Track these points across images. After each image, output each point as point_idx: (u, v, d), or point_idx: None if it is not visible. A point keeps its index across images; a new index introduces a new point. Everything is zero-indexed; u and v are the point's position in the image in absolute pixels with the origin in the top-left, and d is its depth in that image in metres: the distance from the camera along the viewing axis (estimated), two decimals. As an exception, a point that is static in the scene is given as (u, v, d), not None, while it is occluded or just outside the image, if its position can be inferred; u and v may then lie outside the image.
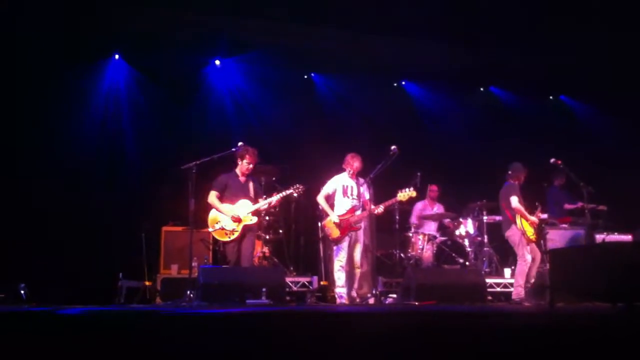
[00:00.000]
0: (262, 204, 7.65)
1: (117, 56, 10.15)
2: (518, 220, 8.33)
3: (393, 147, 7.92)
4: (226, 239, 7.52)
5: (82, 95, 9.82)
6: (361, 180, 8.08)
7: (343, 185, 8.01)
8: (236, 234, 7.46)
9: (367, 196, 8.13)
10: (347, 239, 7.91)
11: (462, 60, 10.82)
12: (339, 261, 7.90)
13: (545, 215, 8.93)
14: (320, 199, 8.09)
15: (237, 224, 7.49)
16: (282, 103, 10.46)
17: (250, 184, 7.80)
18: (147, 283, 8.50)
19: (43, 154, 9.18)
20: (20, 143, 9.10)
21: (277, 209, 8.94)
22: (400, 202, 8.17)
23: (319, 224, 9.38)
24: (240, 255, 7.54)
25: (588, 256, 5.68)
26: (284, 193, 7.78)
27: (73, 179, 9.15)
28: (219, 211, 7.54)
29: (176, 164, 7.40)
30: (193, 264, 7.71)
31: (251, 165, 7.71)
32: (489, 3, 9.22)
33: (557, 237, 9.29)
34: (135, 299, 8.42)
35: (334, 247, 7.99)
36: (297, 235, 9.65)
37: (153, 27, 9.54)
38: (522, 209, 8.36)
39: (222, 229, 7.49)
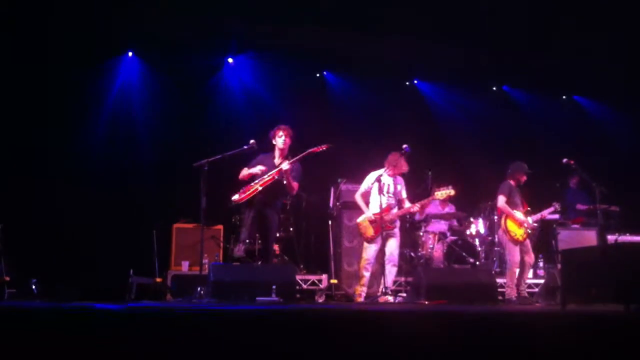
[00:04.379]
0: (285, 163, 7.34)
1: (130, 54, 10.19)
2: (502, 220, 8.41)
3: (405, 145, 7.90)
4: (238, 197, 7.35)
5: (95, 92, 9.88)
6: (399, 178, 8.02)
7: (380, 182, 7.90)
8: (249, 191, 7.26)
9: (404, 195, 8.08)
10: (379, 237, 7.85)
11: (475, 60, 10.79)
12: (366, 259, 7.89)
13: (554, 216, 8.84)
14: (358, 196, 8.02)
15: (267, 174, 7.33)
16: (294, 101, 10.46)
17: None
18: (157, 280, 8.52)
19: (56, 151, 9.25)
20: (33, 141, 9.16)
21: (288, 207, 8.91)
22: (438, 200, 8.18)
23: (329, 223, 9.41)
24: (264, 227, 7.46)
25: (600, 257, 5.64)
26: (306, 152, 7.50)
27: (85, 176, 9.21)
28: (244, 179, 7.43)
29: (188, 161, 7.41)
30: (204, 261, 7.73)
31: (286, 138, 7.51)
32: (502, 3, 9.20)
33: (569, 238, 9.24)
34: (146, 296, 8.45)
35: (365, 245, 7.94)
36: (308, 234, 9.66)
37: (166, 25, 9.58)
38: (508, 208, 8.40)
39: (241, 192, 7.33)
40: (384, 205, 7.82)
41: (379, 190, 7.88)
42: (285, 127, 7.60)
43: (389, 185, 7.96)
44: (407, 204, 7.99)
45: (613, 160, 10.78)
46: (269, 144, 7.71)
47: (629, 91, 10.94)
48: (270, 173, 7.34)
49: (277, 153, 7.64)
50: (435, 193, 7.94)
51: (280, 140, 7.55)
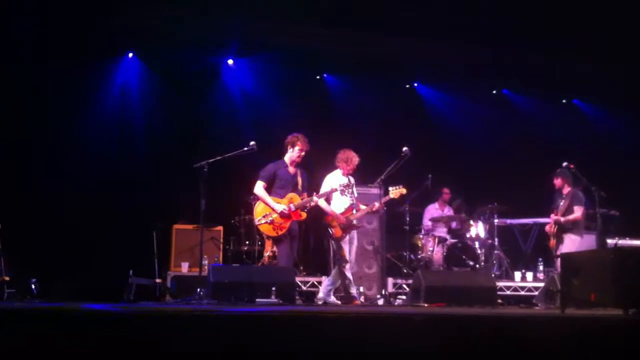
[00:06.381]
0: (309, 200, 7.51)
1: (130, 54, 10.19)
2: None
3: (405, 148, 7.89)
4: (273, 234, 7.41)
5: (96, 93, 9.87)
6: (351, 177, 8.02)
7: (340, 184, 7.87)
8: (284, 230, 7.36)
9: (355, 193, 8.12)
10: (346, 237, 7.90)
11: (475, 63, 10.78)
12: (345, 259, 7.89)
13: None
14: (322, 202, 7.89)
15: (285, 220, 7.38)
16: (294, 103, 10.46)
17: (299, 176, 7.62)
18: (157, 281, 8.52)
19: (56, 151, 9.24)
20: (33, 140, 9.16)
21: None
22: (394, 199, 8.11)
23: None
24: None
25: (599, 261, 5.63)
26: (331, 190, 7.70)
27: (85, 176, 9.20)
28: (267, 205, 7.36)
29: (189, 162, 7.41)
30: (203, 262, 7.72)
31: (303, 153, 7.54)
32: (501, 6, 9.20)
33: (568, 242, 9.22)
34: (145, 297, 8.44)
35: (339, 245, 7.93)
36: (307, 235, 9.65)
37: (167, 26, 9.57)
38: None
39: (272, 223, 7.35)
40: (347, 206, 7.91)
41: (341, 192, 7.88)
42: (306, 140, 7.58)
43: (347, 185, 7.91)
44: (361, 205, 8.04)
45: (613, 164, 10.78)
46: (280, 147, 7.65)
47: (629, 95, 10.94)
48: (300, 203, 7.42)
49: (288, 161, 7.61)
50: (390, 192, 7.91)
51: (296, 154, 7.54)
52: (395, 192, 7.98)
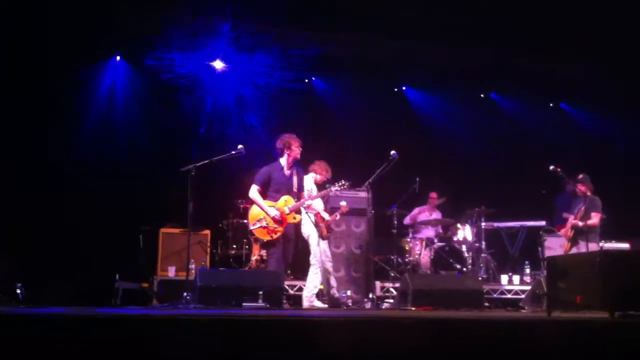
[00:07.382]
0: (303, 202, 7.54)
1: (118, 57, 10.15)
2: None
3: (393, 152, 7.91)
4: (268, 237, 7.41)
5: (83, 96, 9.83)
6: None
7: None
8: (279, 234, 7.35)
9: None
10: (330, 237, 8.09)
11: (463, 67, 10.83)
12: (330, 261, 7.96)
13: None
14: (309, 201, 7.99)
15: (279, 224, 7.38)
16: (283, 107, 10.46)
17: (295, 177, 7.60)
18: (144, 285, 8.47)
19: (42, 154, 9.18)
20: (19, 143, 9.09)
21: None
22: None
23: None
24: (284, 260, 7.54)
25: (586, 264, 5.66)
26: (327, 191, 7.77)
27: (71, 180, 9.14)
28: (262, 209, 7.38)
29: (176, 165, 7.38)
30: (191, 266, 7.69)
31: (301, 149, 7.55)
32: (491, 10, 9.24)
33: (555, 245, 9.28)
34: (132, 301, 8.40)
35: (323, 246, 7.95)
36: (295, 239, 9.62)
37: (153, 28, 9.55)
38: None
39: (265, 227, 7.35)
40: (323, 208, 8.06)
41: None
42: (296, 137, 7.62)
43: (317, 189, 8.01)
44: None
45: (600, 167, 10.84)
46: (268, 151, 7.69)
47: (618, 99, 11.02)
48: (295, 206, 7.43)
49: (285, 163, 7.60)
50: (331, 188, 7.93)
51: (296, 152, 7.55)
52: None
